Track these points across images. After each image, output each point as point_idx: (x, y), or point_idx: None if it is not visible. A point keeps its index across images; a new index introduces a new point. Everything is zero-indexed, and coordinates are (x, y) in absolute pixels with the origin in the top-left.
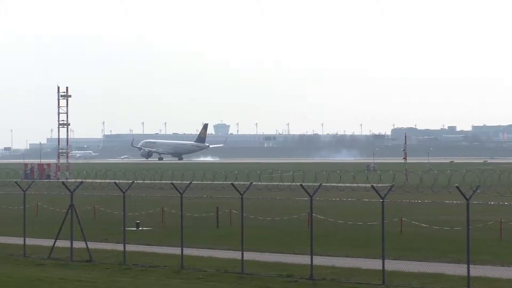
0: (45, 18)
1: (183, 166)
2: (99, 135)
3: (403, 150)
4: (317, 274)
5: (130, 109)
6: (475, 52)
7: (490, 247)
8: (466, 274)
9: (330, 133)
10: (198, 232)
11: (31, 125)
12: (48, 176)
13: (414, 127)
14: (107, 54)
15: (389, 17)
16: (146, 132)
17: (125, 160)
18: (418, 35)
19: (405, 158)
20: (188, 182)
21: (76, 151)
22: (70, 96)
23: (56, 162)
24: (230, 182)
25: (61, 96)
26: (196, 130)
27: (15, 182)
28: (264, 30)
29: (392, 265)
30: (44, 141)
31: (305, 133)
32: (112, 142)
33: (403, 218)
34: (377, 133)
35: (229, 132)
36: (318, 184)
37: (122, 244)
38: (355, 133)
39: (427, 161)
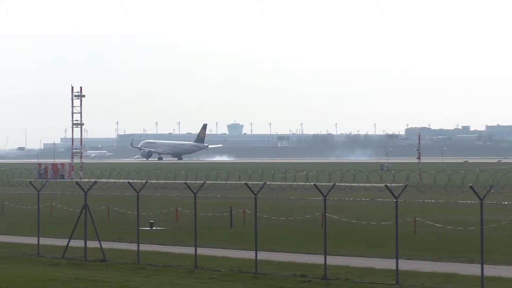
0: (61, 18)
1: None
2: (113, 135)
3: (417, 150)
4: (330, 274)
5: (143, 109)
6: (490, 52)
7: (504, 247)
8: (480, 274)
9: (344, 133)
10: (212, 232)
11: (45, 125)
12: (62, 176)
13: (428, 127)
14: (122, 54)
15: (404, 16)
16: (160, 132)
17: (137, 160)
18: (433, 34)
19: (419, 158)
20: (202, 182)
21: (91, 151)
22: (84, 96)
23: (70, 162)
24: (244, 182)
25: (75, 96)
26: (209, 130)
27: (29, 182)
28: (280, 31)
29: (405, 265)
30: (58, 141)
31: (319, 133)
32: (126, 142)
33: (416, 218)
34: (390, 133)
35: (243, 132)
36: (332, 184)
37: (136, 244)
38: (369, 133)
39: (441, 161)
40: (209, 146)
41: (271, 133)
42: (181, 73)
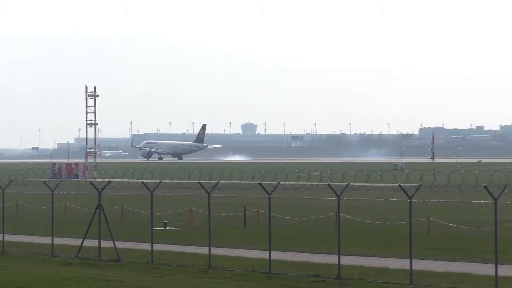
0: (75, 18)
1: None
2: (126, 135)
3: (431, 149)
4: (344, 273)
5: (158, 108)
6: (504, 51)
7: None
8: (493, 274)
9: (358, 133)
10: (226, 231)
11: (59, 125)
12: (76, 176)
13: (442, 126)
14: (136, 54)
15: (417, 15)
16: (174, 132)
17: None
18: (447, 34)
19: (432, 158)
20: (216, 181)
21: (106, 151)
22: (98, 95)
23: (84, 161)
24: (258, 182)
25: (89, 95)
26: (223, 130)
27: (43, 181)
28: (295, 31)
29: (419, 264)
30: (72, 141)
31: (333, 133)
32: (139, 142)
33: (430, 218)
34: (404, 132)
35: (257, 131)
36: (346, 183)
37: (150, 244)
38: (383, 133)
39: (455, 161)
40: (208, 146)
41: (285, 133)
42: (195, 74)
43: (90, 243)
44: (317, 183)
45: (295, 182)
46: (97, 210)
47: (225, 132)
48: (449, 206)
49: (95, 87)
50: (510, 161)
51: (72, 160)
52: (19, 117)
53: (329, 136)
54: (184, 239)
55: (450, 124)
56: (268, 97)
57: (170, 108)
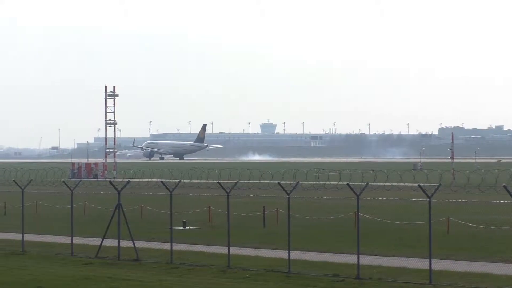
0: (95, 17)
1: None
2: (146, 135)
3: (450, 149)
4: (364, 273)
5: (177, 108)
6: None
7: None
8: None
9: (377, 133)
10: (245, 231)
11: (78, 125)
12: (95, 176)
13: (461, 126)
14: (156, 54)
15: (440, 14)
16: (193, 131)
17: (169, 160)
18: (469, 33)
19: (452, 158)
20: (235, 181)
21: (126, 151)
22: (117, 95)
23: (104, 161)
24: (277, 182)
25: (109, 95)
26: (242, 129)
27: (63, 181)
28: (315, 31)
29: (439, 264)
30: (91, 141)
31: (352, 133)
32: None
33: (450, 218)
34: (424, 132)
35: (276, 131)
36: (365, 183)
37: (169, 243)
38: (402, 133)
39: (474, 161)
40: (209, 146)
41: (304, 133)
42: (215, 73)
43: (110, 242)
44: (336, 182)
45: (315, 182)
46: (117, 209)
47: (245, 132)
48: (469, 206)
49: (114, 87)
50: None
51: (91, 160)
52: (39, 117)
53: (348, 136)
54: (203, 238)
55: (469, 124)
56: (287, 97)
57: (189, 108)
